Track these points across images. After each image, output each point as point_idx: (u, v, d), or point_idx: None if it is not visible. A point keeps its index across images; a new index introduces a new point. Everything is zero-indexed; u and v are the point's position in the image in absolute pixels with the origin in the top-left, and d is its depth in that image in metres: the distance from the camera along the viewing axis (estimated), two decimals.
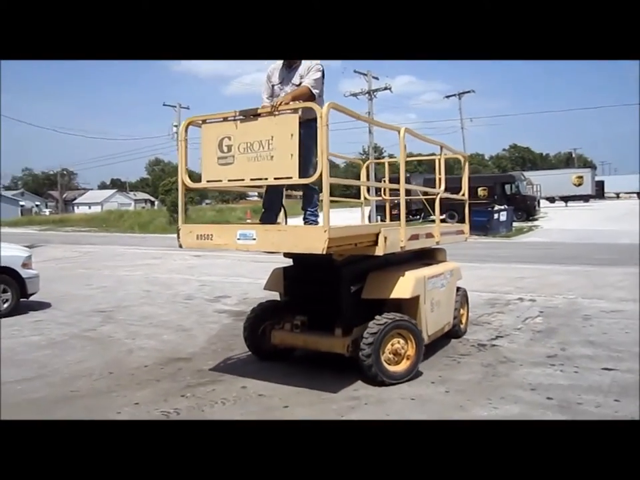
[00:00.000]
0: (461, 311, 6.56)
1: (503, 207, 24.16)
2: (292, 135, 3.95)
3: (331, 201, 4.18)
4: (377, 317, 4.71)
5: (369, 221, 27.10)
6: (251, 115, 4.16)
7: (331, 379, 4.87)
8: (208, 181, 4.45)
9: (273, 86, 4.89)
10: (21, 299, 8.78)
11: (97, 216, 48.14)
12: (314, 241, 3.90)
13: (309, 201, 4.86)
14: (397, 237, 4.88)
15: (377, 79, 27.77)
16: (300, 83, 4.78)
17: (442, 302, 5.67)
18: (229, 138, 4.23)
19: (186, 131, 4.51)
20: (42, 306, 9.30)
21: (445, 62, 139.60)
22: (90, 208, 68.65)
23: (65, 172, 74.99)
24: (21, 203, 71.04)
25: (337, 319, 4.85)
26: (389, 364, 4.73)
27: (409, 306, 5.09)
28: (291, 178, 4.03)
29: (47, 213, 69.18)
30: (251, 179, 4.28)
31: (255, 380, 4.90)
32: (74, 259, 18.73)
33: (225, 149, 4.24)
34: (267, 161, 4.05)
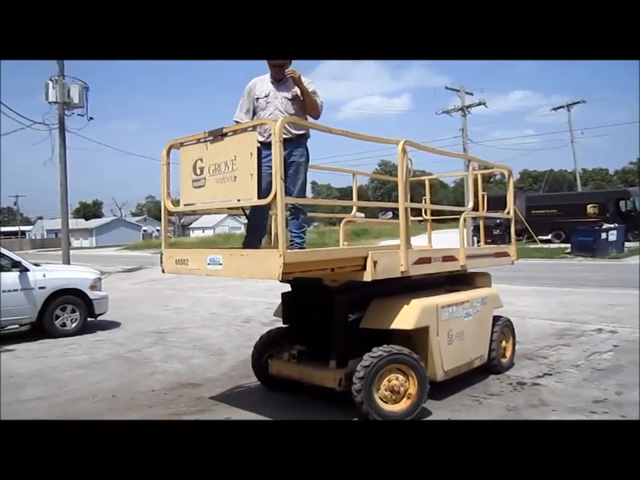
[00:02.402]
0: (503, 343, 5.85)
1: (612, 226, 21.90)
2: (251, 154, 3.73)
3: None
4: (374, 349, 4.28)
5: (465, 244, 25.97)
6: (217, 135, 4.00)
7: (327, 414, 4.51)
8: (185, 205, 4.37)
9: (257, 99, 4.64)
10: (89, 319, 9.37)
11: (206, 239, 51.01)
12: (270, 267, 3.61)
13: (295, 220, 4.55)
14: (394, 261, 4.42)
15: (470, 94, 26.74)
16: (293, 97, 4.58)
17: (467, 333, 5.06)
18: (201, 160, 4.10)
19: (168, 154, 4.44)
20: (112, 325, 9.84)
21: (562, 72, 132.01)
22: (203, 232, 73.05)
23: None
24: (144, 228, 77.38)
25: (331, 349, 4.49)
26: (386, 402, 4.26)
27: (417, 338, 4.60)
28: (252, 199, 3.81)
29: None
30: (219, 202, 4.14)
31: (243, 411, 4.67)
32: (167, 280, 19.73)
33: (198, 171, 4.13)
34: (231, 182, 3.87)
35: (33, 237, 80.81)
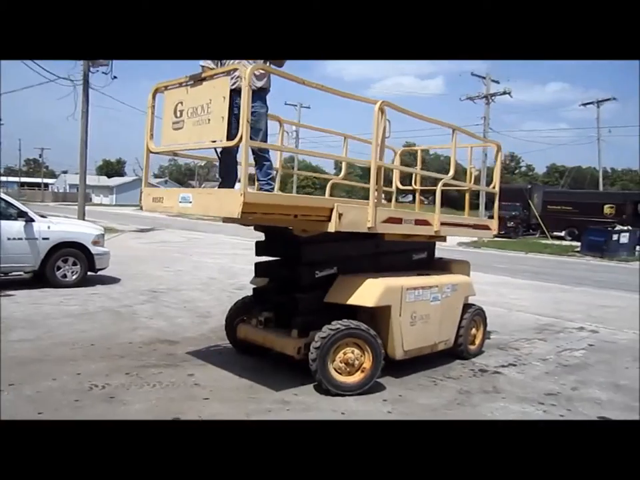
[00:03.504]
0: (472, 331, 6.00)
1: (625, 228, 21.61)
2: (224, 98, 3.92)
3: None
4: (334, 322, 4.48)
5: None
6: (197, 79, 4.21)
7: (285, 380, 4.75)
8: (164, 145, 4.56)
9: None
10: (90, 273, 9.72)
11: None
12: (231, 204, 3.82)
13: (260, 169, 4.72)
14: (361, 216, 4.55)
15: (497, 82, 26.30)
16: None
17: (433, 317, 5.23)
18: (181, 103, 4.29)
19: (153, 97, 4.63)
20: (111, 281, 10.18)
21: (602, 66, 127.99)
22: None
23: (203, 164, 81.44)
24: None
25: (295, 318, 4.70)
26: (340, 373, 4.48)
27: (379, 316, 4.78)
28: (221, 141, 4.03)
29: None
30: (194, 143, 4.33)
31: (209, 369, 4.95)
32: (177, 243, 20.15)
33: (178, 113, 4.31)
34: (205, 125, 4.06)
35: (56, 190, 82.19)
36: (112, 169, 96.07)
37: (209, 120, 4.02)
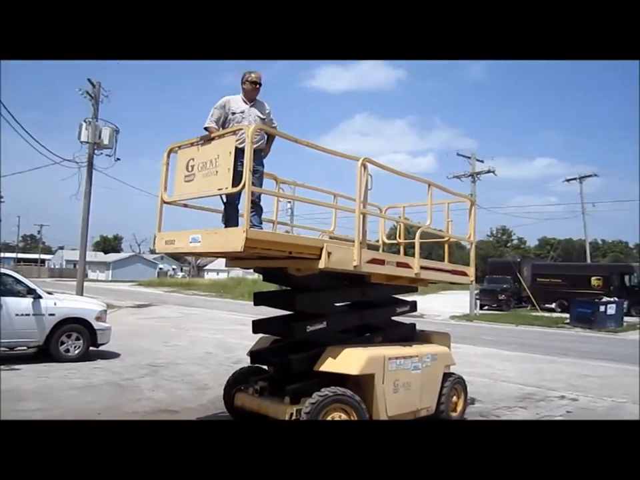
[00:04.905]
0: (454, 398, 6.42)
1: (612, 299, 22.22)
2: (230, 153, 4.61)
3: None
4: (322, 389, 4.95)
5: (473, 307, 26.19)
6: (207, 139, 4.97)
7: None
8: (177, 195, 5.22)
9: (233, 113, 5.45)
10: (92, 347, 10.11)
11: (219, 282, 51.95)
12: (235, 240, 4.41)
13: (255, 215, 5.28)
14: (347, 255, 5.10)
15: (481, 161, 27.77)
16: (263, 118, 5.54)
17: (414, 385, 5.69)
18: (193, 159, 5.00)
19: (168, 156, 5.30)
20: (112, 356, 10.56)
21: (588, 142, 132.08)
22: (218, 274, 74.03)
23: None
24: (160, 266, 78.97)
25: (287, 387, 5.17)
26: None
27: (364, 384, 5.25)
28: (227, 188, 4.64)
29: (180, 277, 76.12)
30: (203, 191, 4.94)
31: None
32: (174, 318, 20.48)
33: (190, 168, 5.01)
34: (213, 176, 4.74)
35: (52, 266, 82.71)
36: (109, 244, 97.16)
37: (217, 172, 4.71)
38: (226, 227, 5.46)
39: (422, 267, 6.04)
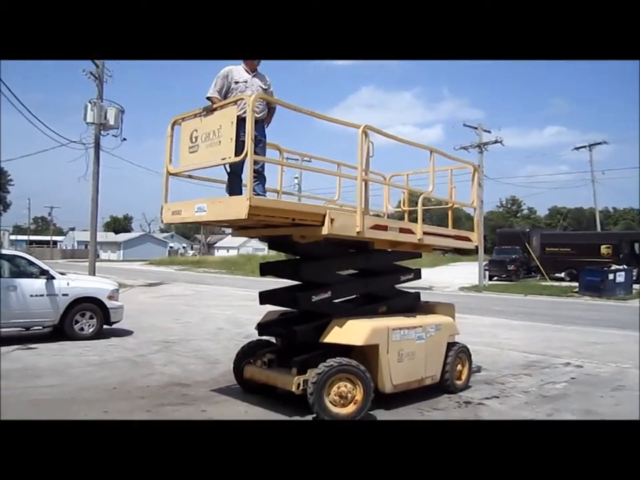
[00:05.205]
0: (458, 367, 6.56)
1: (621, 267, 22.17)
2: (232, 123, 4.70)
3: None
4: (328, 360, 5.10)
5: (482, 278, 26.25)
6: (209, 109, 5.05)
7: (286, 413, 5.32)
8: (182, 166, 5.33)
9: (236, 82, 5.49)
10: (105, 326, 10.36)
11: (229, 259, 52.24)
12: (240, 208, 4.53)
13: (258, 184, 5.38)
14: (350, 221, 5.19)
15: (488, 132, 27.48)
16: (265, 88, 5.65)
17: (419, 354, 5.83)
18: (196, 130, 5.09)
19: (172, 128, 5.39)
20: (125, 333, 10.81)
21: (597, 109, 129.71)
22: (228, 251, 74.52)
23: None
24: (170, 245, 79.73)
25: (294, 358, 5.33)
26: (335, 405, 5.05)
27: (369, 354, 5.40)
28: (230, 157, 4.74)
29: (190, 255, 76.77)
30: (207, 161, 5.03)
31: (220, 406, 5.57)
32: (185, 296, 20.76)
33: (193, 139, 5.10)
34: (216, 146, 4.83)
35: (64, 247, 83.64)
36: (119, 225, 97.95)
37: (220, 142, 4.80)
38: (230, 196, 5.55)
39: (425, 233, 6.12)
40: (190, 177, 5.62)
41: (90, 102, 21.88)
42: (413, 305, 6.56)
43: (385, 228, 5.64)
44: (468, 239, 7.15)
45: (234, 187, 5.57)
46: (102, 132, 22.44)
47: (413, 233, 6.03)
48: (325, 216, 5.00)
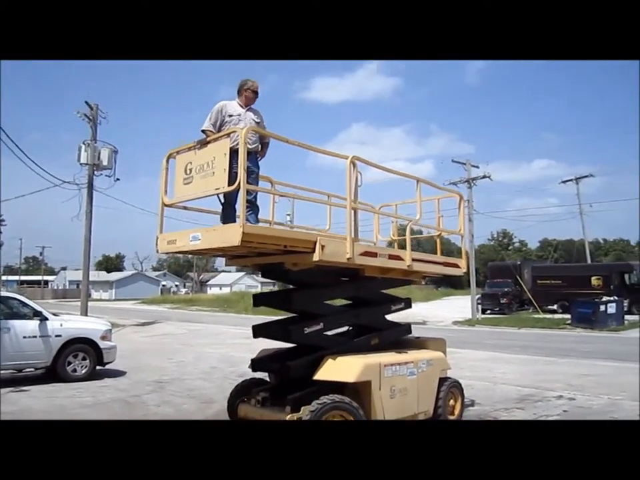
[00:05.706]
0: (451, 402, 6.61)
1: (612, 298, 22.37)
2: (225, 154, 4.88)
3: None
4: (322, 397, 5.16)
5: (475, 312, 26.34)
6: (203, 142, 5.22)
7: None
8: (177, 197, 5.46)
9: (230, 116, 5.68)
10: (98, 367, 10.32)
11: (222, 297, 52.03)
12: (233, 235, 4.66)
13: (251, 213, 5.50)
14: (340, 248, 5.31)
15: (476, 167, 28.08)
16: (258, 122, 5.84)
17: (411, 390, 5.89)
18: (191, 162, 5.26)
19: (167, 161, 5.55)
20: (118, 374, 10.76)
21: (586, 142, 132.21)
22: (220, 289, 74.29)
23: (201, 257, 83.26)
24: (163, 283, 79.35)
25: (287, 396, 5.38)
26: None
27: (362, 390, 5.46)
28: (223, 187, 4.89)
29: (183, 293, 76.42)
30: (202, 192, 5.17)
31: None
32: (178, 335, 20.67)
33: (188, 171, 5.26)
34: (210, 177, 4.99)
35: (55, 287, 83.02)
36: (111, 263, 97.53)
37: (214, 172, 4.97)
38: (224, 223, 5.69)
39: (414, 259, 6.26)
40: (185, 208, 5.78)
41: (84, 143, 22.21)
42: (404, 337, 6.66)
43: (374, 254, 5.78)
44: (456, 266, 7.30)
45: (228, 216, 5.69)
46: (95, 172, 22.71)
47: (402, 259, 6.16)
48: (315, 243, 5.14)
